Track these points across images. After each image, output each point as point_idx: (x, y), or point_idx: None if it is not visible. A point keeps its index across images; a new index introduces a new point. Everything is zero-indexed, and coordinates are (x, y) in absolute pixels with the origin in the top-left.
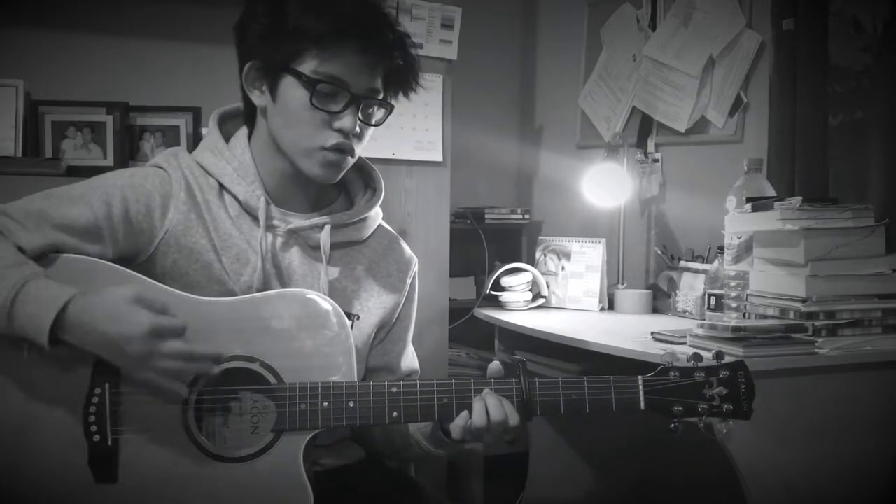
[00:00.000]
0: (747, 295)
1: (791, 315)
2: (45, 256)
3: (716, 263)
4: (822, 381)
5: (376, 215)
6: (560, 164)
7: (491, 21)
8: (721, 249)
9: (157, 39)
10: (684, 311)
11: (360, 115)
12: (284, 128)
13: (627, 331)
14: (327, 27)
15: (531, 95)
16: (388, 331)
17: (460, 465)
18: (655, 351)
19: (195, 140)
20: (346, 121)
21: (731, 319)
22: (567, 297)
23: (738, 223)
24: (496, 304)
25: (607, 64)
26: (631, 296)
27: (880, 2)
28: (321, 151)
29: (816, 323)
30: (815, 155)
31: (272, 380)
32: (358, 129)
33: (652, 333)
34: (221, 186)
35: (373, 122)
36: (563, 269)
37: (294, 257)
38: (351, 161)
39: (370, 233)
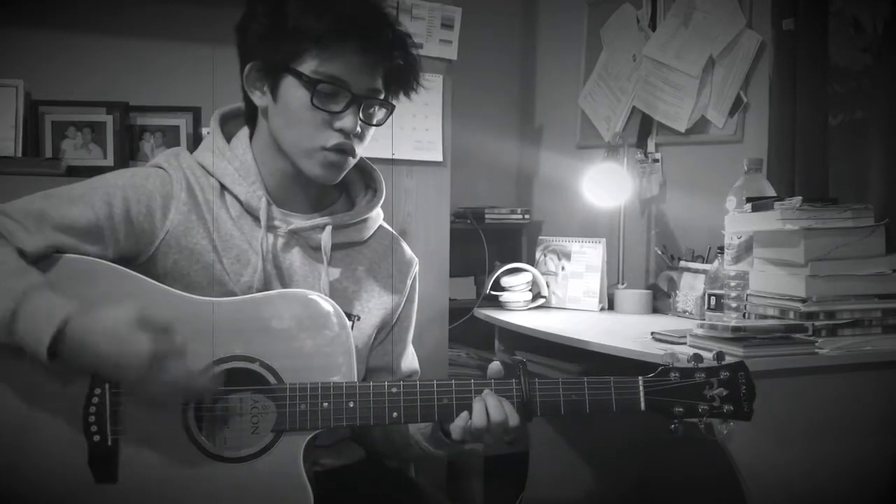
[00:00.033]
0: (747, 295)
1: (791, 315)
2: (46, 258)
3: (716, 263)
4: (822, 381)
5: (377, 216)
6: (560, 164)
7: (491, 21)
8: (721, 249)
9: (157, 39)
10: (684, 311)
11: (361, 115)
12: (285, 128)
13: (627, 331)
14: (327, 27)
15: (531, 95)
16: (388, 331)
17: (460, 465)
18: (655, 351)
19: (195, 140)
20: (346, 121)
21: (731, 319)
22: (567, 297)
23: (738, 223)
24: (496, 304)
25: (607, 64)
26: (631, 296)
27: (880, 2)
28: (322, 152)
29: (816, 323)
30: (815, 155)
31: (272, 380)
32: (359, 129)
33: (652, 333)
34: (222, 187)
35: (374, 122)
36: (563, 269)
37: (295, 258)
38: (352, 162)
39: (371, 233)
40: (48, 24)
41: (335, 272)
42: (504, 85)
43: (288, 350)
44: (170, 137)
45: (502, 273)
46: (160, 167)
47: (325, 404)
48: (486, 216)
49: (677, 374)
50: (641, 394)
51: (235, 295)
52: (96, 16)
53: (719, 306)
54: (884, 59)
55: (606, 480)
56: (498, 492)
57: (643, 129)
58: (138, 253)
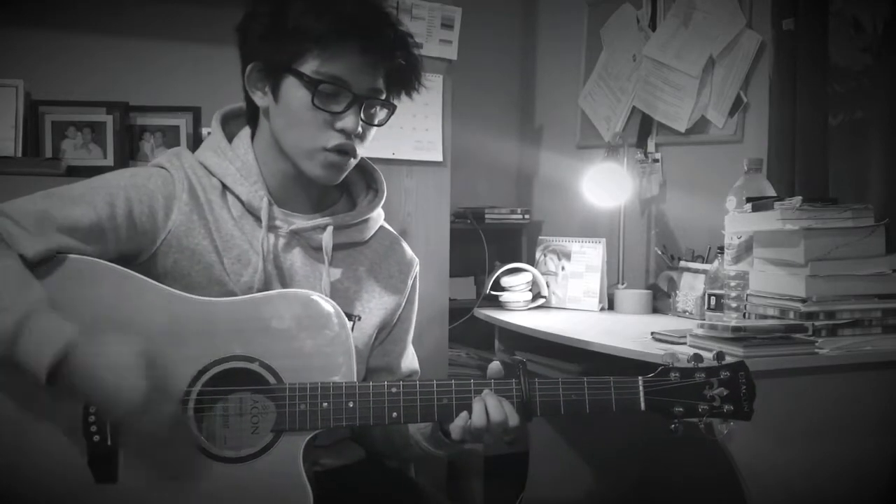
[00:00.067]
0: (747, 295)
1: (791, 315)
2: (47, 260)
3: (716, 263)
4: (822, 381)
5: (378, 216)
6: (560, 164)
7: (491, 21)
8: (721, 249)
9: (157, 39)
10: (684, 311)
11: (362, 115)
12: (286, 128)
13: (627, 331)
14: (328, 27)
15: (531, 95)
16: (388, 331)
17: (460, 465)
18: (655, 351)
19: (195, 140)
20: (348, 121)
21: (731, 319)
22: (567, 297)
23: (738, 223)
24: (496, 304)
25: (607, 64)
26: (631, 296)
27: (880, 2)
28: (323, 152)
29: (816, 323)
30: (815, 155)
31: (272, 380)
32: (360, 129)
33: (652, 333)
34: (224, 187)
35: (375, 122)
36: (563, 269)
37: (296, 258)
38: (353, 162)
39: (372, 234)
40: (48, 24)
41: (336, 272)
42: (504, 85)
43: (288, 350)
44: (170, 137)
45: (502, 273)
46: (162, 167)
47: (325, 404)
48: (486, 216)
49: (677, 374)
50: (641, 394)
51: (235, 295)
52: (96, 16)
53: (719, 306)
54: (884, 59)
55: (606, 480)
56: (498, 492)
57: (643, 129)
58: (139, 252)
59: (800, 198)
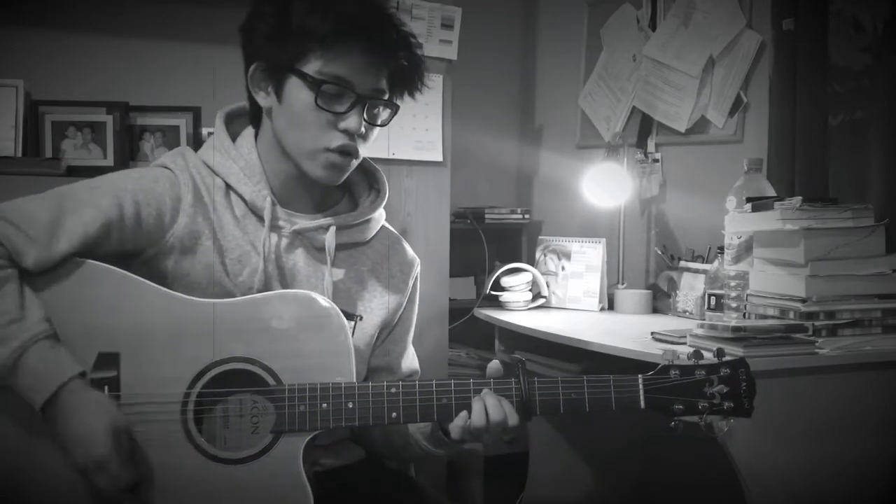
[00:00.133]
0: (747, 295)
1: (791, 315)
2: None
3: (716, 263)
4: (822, 381)
5: (380, 216)
6: (560, 164)
7: (491, 21)
8: (721, 249)
9: (157, 39)
10: (684, 311)
11: (365, 115)
12: (289, 129)
13: (627, 331)
14: (331, 27)
15: (531, 95)
16: (389, 331)
17: (460, 465)
18: (655, 351)
19: (195, 140)
20: (351, 121)
21: (731, 319)
22: (567, 297)
23: (738, 223)
24: (496, 304)
25: (607, 64)
26: (631, 296)
27: (880, 2)
28: (325, 153)
29: (816, 323)
30: (815, 155)
31: (271, 381)
32: (363, 129)
33: (652, 333)
34: (228, 186)
35: (378, 122)
36: (563, 269)
37: (299, 258)
38: (355, 163)
39: (373, 234)
40: (48, 24)
41: (339, 273)
42: (504, 85)
43: (287, 351)
44: (170, 137)
45: (502, 273)
46: (167, 167)
47: (325, 405)
48: (486, 216)
49: (677, 372)
50: (641, 392)
51: (235, 296)
52: (96, 16)
53: (719, 306)
54: (884, 59)
55: (606, 480)
56: (498, 492)
57: (643, 129)
58: (140, 252)
59: (800, 198)
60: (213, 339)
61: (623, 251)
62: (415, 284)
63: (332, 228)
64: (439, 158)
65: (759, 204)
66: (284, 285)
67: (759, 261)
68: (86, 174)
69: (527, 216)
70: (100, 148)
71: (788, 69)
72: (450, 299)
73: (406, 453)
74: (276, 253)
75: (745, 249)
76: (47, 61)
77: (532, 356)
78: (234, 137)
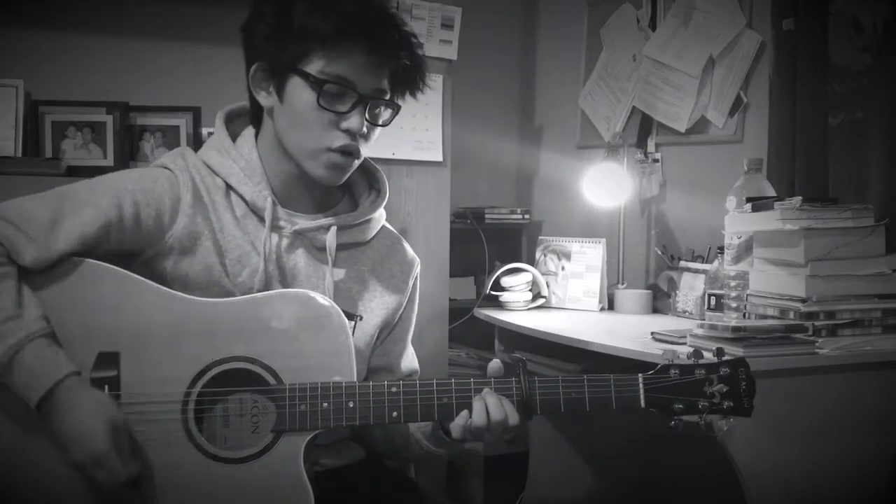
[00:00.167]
0: (747, 295)
1: (791, 315)
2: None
3: (716, 263)
4: (822, 381)
5: (380, 216)
6: (560, 164)
7: (491, 21)
8: (721, 249)
9: (157, 39)
10: (684, 311)
11: (366, 115)
12: (290, 128)
13: (627, 331)
14: (333, 27)
15: (531, 95)
16: (389, 331)
17: (460, 465)
18: (655, 351)
19: (195, 140)
20: (353, 121)
21: (731, 319)
22: (567, 297)
23: (738, 223)
24: (496, 304)
25: (607, 64)
26: (631, 296)
27: (880, 2)
28: (327, 153)
29: (816, 323)
30: (815, 155)
31: (272, 380)
32: (365, 129)
33: (652, 333)
34: (228, 186)
35: (379, 122)
36: (563, 269)
37: (299, 258)
38: (357, 163)
39: (374, 234)
40: (48, 24)
41: (339, 273)
42: (504, 85)
43: (288, 350)
44: (170, 137)
45: (502, 273)
46: (166, 167)
47: (325, 404)
48: (486, 216)
49: (677, 371)
50: (641, 391)
51: (234, 295)
52: (96, 16)
53: (719, 306)
54: (884, 59)
55: (606, 480)
56: (498, 492)
57: (643, 129)
58: (141, 252)
59: (800, 198)
60: (214, 338)
61: (623, 251)
62: (415, 284)
63: (333, 228)
64: (439, 158)
65: (759, 204)
66: (285, 285)
67: (759, 261)
68: (86, 174)
69: (527, 216)
70: (100, 148)
71: (788, 69)
72: (450, 299)
73: (407, 453)
74: (277, 253)
75: (745, 249)
76: (47, 61)
77: (532, 356)
78: (234, 137)
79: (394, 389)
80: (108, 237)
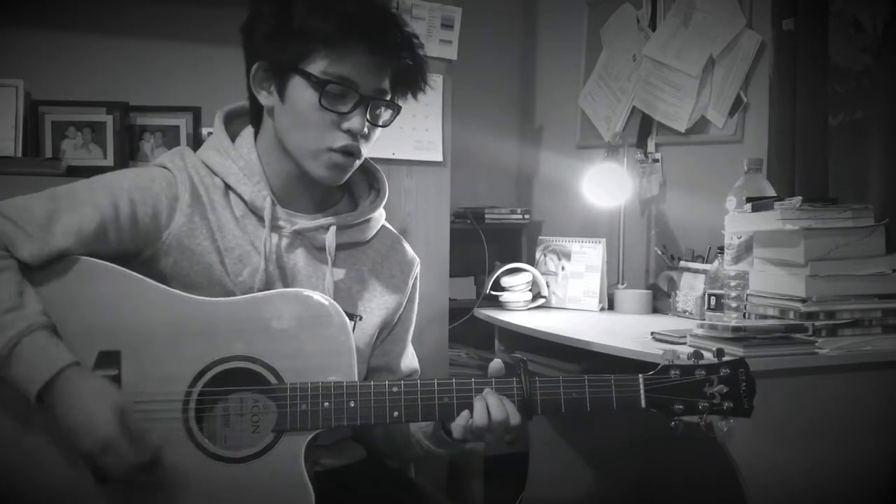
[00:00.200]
0: (747, 295)
1: (791, 315)
2: (49, 264)
3: (716, 263)
4: (822, 381)
5: (380, 216)
6: (560, 164)
7: (491, 21)
8: (721, 249)
9: (157, 39)
10: (684, 311)
11: (367, 115)
12: (291, 128)
13: (627, 331)
14: (334, 28)
15: (531, 95)
16: (389, 331)
17: (460, 465)
18: (655, 351)
19: (195, 140)
20: (354, 122)
21: (731, 319)
22: (567, 297)
23: (738, 223)
24: (496, 304)
25: (607, 64)
26: (631, 296)
27: (880, 2)
28: (328, 153)
29: (816, 323)
30: (815, 155)
31: (273, 380)
32: (366, 129)
33: (652, 333)
34: (227, 186)
35: (380, 122)
36: (563, 269)
37: (299, 258)
38: (357, 163)
39: (374, 234)
40: (48, 24)
41: (339, 272)
42: (504, 85)
43: (288, 350)
44: (170, 137)
45: (502, 273)
46: (164, 167)
47: (326, 404)
48: (486, 216)
49: (677, 372)
50: (642, 391)
51: (235, 295)
52: (96, 16)
53: (719, 306)
54: (884, 59)
55: (606, 480)
56: (498, 492)
57: (643, 129)
58: (139, 252)
59: (800, 198)
60: (214, 337)
61: (623, 251)
62: (414, 284)
63: (333, 228)
64: (439, 158)
65: (759, 204)
66: (285, 285)
67: (759, 261)
68: (86, 174)
69: (527, 216)
70: (100, 148)
71: (788, 69)
72: (450, 299)
73: (408, 453)
74: (277, 253)
75: (745, 249)
76: (47, 61)
77: (532, 356)
78: (233, 137)
79: (395, 389)
80: (105, 235)
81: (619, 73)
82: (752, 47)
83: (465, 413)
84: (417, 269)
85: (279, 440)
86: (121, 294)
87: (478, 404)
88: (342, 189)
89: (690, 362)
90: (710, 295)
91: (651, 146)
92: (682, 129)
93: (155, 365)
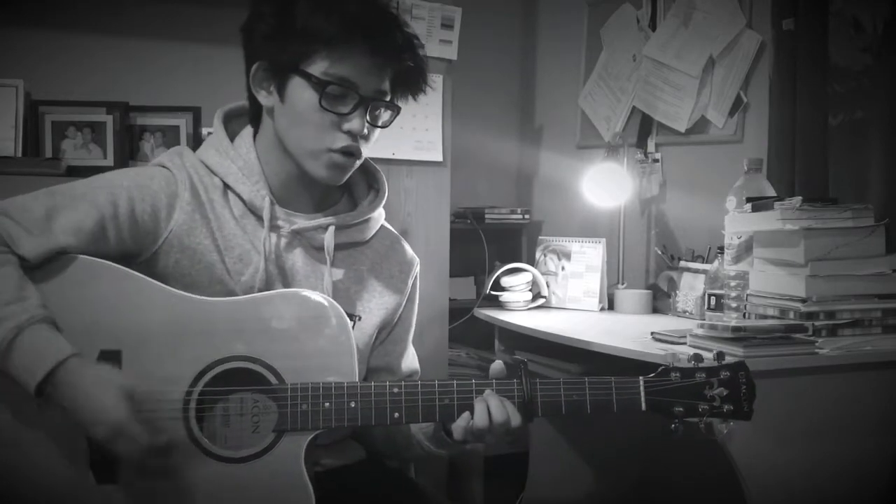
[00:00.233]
0: (747, 295)
1: (791, 315)
2: (49, 260)
3: (716, 263)
4: (822, 381)
5: (379, 216)
6: (560, 164)
7: (491, 21)
8: (721, 249)
9: (157, 39)
10: (684, 311)
11: (367, 116)
12: (291, 128)
13: (627, 331)
14: (337, 28)
15: (531, 95)
16: (389, 331)
17: (460, 465)
18: (655, 351)
19: (195, 140)
20: (354, 123)
21: (731, 319)
22: (567, 297)
23: (738, 223)
24: (496, 304)
25: (607, 64)
26: (631, 296)
27: (880, 2)
28: (329, 153)
29: (816, 323)
30: (815, 155)
31: (273, 380)
32: (365, 130)
33: (652, 333)
34: (226, 186)
35: (379, 123)
36: (563, 269)
37: (298, 258)
38: (358, 163)
39: (373, 234)
40: (48, 24)
41: (338, 272)
42: (504, 85)
43: (289, 350)
44: (170, 137)
45: (502, 273)
46: (164, 166)
47: (327, 404)
48: (486, 216)
49: (678, 374)
50: (642, 394)
51: (236, 295)
52: (96, 16)
53: (719, 306)
54: (884, 59)
55: (606, 480)
56: (498, 492)
57: (643, 129)
58: (140, 252)
59: (800, 198)
60: (215, 337)
61: (623, 251)
62: (414, 284)
63: (331, 228)
64: (439, 158)
65: (759, 204)
66: (284, 285)
67: (759, 261)
68: (86, 174)
69: (527, 216)
70: (100, 148)
71: (788, 69)
72: (450, 299)
73: (408, 453)
74: (276, 252)
75: (745, 249)
76: (47, 61)
77: (532, 356)
78: (232, 137)
79: (395, 390)
80: (104, 233)
81: (619, 73)
82: (752, 47)
83: (466, 415)
84: (417, 268)
85: (279, 440)
86: (121, 293)
87: (478, 406)
88: (342, 189)
89: (691, 365)
90: (710, 295)
91: (651, 146)
92: (682, 129)
93: (156, 364)
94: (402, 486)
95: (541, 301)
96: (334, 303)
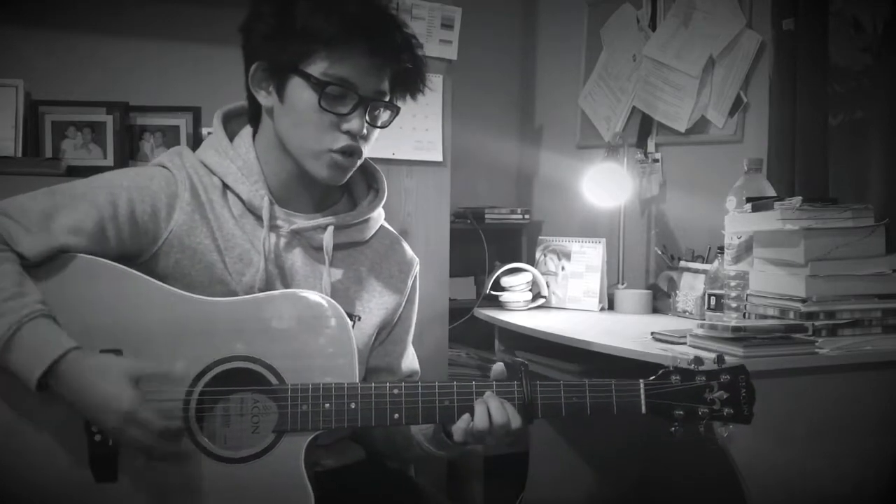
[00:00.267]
0: (747, 295)
1: (791, 315)
2: (48, 259)
3: (716, 263)
4: (822, 381)
5: (379, 216)
6: (560, 164)
7: (491, 21)
8: (721, 249)
9: (157, 39)
10: (684, 311)
11: (367, 117)
12: (291, 129)
13: (627, 331)
14: (337, 29)
15: (531, 95)
16: (388, 331)
17: (460, 465)
18: (655, 351)
19: (195, 140)
20: (354, 123)
21: (731, 319)
22: (567, 297)
23: (738, 223)
24: (496, 304)
25: (607, 64)
26: (631, 296)
27: (880, 2)
28: (329, 154)
29: (816, 323)
30: (815, 155)
31: (273, 380)
32: (364, 131)
33: (652, 333)
34: (225, 185)
35: (379, 123)
36: (563, 269)
37: (297, 258)
38: (358, 163)
39: (372, 233)
40: (48, 24)
41: (337, 273)
42: (504, 85)
43: (289, 350)
44: (170, 137)
45: (502, 273)
46: (164, 166)
47: (327, 405)
48: (486, 216)
49: (678, 377)
50: (642, 396)
51: (237, 295)
52: (96, 16)
53: (719, 306)
54: (884, 59)
55: (606, 480)
56: (498, 492)
57: (643, 129)
58: (140, 252)
59: (800, 198)
60: (215, 337)
61: (623, 251)
62: (414, 284)
63: (331, 228)
64: (439, 158)
65: (759, 204)
66: (284, 285)
67: (759, 261)
68: (86, 174)
69: (527, 216)
70: (100, 148)
71: (788, 69)
72: (450, 299)
73: (408, 454)
74: (275, 252)
75: (745, 249)
76: (47, 61)
77: (532, 356)
78: (232, 137)
79: (395, 391)
80: (104, 233)
81: (619, 73)
82: (752, 47)
83: (466, 416)
84: (417, 269)
85: (279, 441)
86: (121, 293)
87: (479, 408)
88: (341, 189)
89: (691, 367)
90: (710, 295)
91: (651, 146)
92: (682, 129)
93: (156, 364)
94: (402, 487)
95: (541, 301)
96: (334, 303)
